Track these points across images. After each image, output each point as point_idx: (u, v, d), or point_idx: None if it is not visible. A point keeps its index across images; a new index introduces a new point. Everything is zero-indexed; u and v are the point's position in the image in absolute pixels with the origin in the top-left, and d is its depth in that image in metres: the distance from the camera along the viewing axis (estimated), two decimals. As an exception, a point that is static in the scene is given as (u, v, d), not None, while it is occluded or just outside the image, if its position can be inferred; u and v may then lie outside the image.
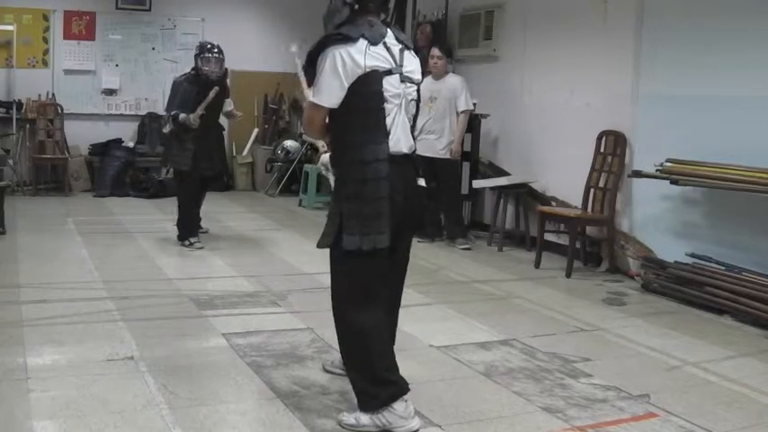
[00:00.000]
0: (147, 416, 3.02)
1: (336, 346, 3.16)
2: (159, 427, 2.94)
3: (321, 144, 3.62)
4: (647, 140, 5.89)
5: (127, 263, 5.79)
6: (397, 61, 3.00)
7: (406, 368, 3.07)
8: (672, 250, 5.54)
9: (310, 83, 3.02)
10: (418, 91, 3.15)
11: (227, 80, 6.78)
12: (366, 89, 2.91)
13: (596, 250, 6.41)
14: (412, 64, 3.08)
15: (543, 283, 5.78)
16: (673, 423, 3.21)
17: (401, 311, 3.33)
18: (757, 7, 5.09)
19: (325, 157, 3.59)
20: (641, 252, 5.90)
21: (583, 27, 6.58)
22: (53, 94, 9.47)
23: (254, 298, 4.92)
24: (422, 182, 3.16)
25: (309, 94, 3.04)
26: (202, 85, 6.30)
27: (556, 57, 6.89)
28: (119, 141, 9.69)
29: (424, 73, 5.34)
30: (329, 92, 2.90)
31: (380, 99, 2.93)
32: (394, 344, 3.18)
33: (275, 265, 5.92)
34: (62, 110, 9.35)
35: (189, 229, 6.49)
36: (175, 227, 6.55)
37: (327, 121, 3.02)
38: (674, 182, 5.23)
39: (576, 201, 6.44)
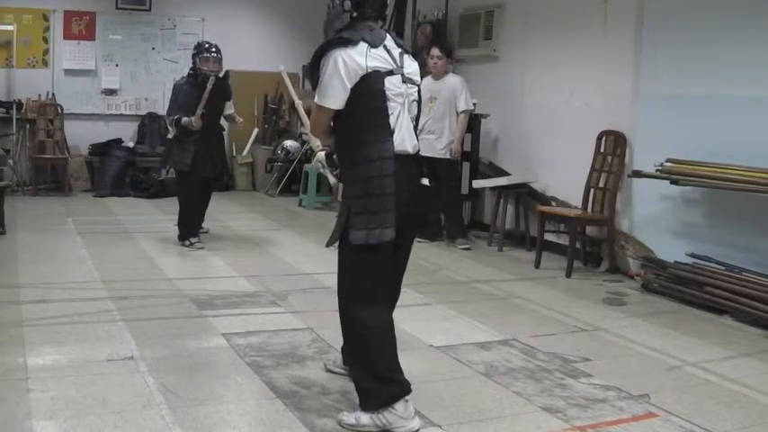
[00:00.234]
0: (146, 416, 3.02)
1: (336, 345, 3.16)
2: (159, 426, 2.94)
3: (317, 143, 3.63)
4: (647, 140, 5.89)
5: (127, 263, 5.79)
6: (398, 63, 3.04)
7: (406, 368, 3.07)
8: (672, 250, 5.54)
9: (314, 86, 3.06)
10: (419, 93, 3.19)
11: (229, 82, 6.77)
12: (369, 89, 2.95)
13: (596, 250, 6.41)
14: (412, 66, 3.13)
15: (543, 283, 5.78)
16: (673, 423, 3.21)
17: (402, 311, 3.34)
18: (757, 7, 5.09)
19: (321, 155, 3.60)
20: (641, 252, 5.90)
21: (583, 27, 6.58)
22: (53, 94, 9.47)
23: (255, 298, 4.91)
24: (426, 182, 3.19)
25: (296, 96, 3.07)
26: (202, 86, 6.28)
27: (556, 57, 6.88)
28: (119, 141, 9.70)
29: (424, 73, 5.34)
30: (333, 94, 2.95)
31: (383, 99, 2.97)
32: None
33: (275, 265, 5.92)
34: (62, 110, 9.35)
35: (189, 228, 6.49)
36: (176, 227, 6.56)
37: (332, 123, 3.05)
38: (674, 182, 5.23)
39: (576, 201, 6.44)
